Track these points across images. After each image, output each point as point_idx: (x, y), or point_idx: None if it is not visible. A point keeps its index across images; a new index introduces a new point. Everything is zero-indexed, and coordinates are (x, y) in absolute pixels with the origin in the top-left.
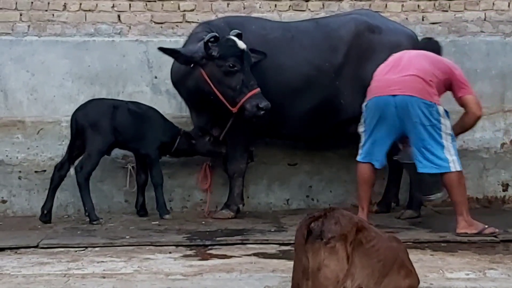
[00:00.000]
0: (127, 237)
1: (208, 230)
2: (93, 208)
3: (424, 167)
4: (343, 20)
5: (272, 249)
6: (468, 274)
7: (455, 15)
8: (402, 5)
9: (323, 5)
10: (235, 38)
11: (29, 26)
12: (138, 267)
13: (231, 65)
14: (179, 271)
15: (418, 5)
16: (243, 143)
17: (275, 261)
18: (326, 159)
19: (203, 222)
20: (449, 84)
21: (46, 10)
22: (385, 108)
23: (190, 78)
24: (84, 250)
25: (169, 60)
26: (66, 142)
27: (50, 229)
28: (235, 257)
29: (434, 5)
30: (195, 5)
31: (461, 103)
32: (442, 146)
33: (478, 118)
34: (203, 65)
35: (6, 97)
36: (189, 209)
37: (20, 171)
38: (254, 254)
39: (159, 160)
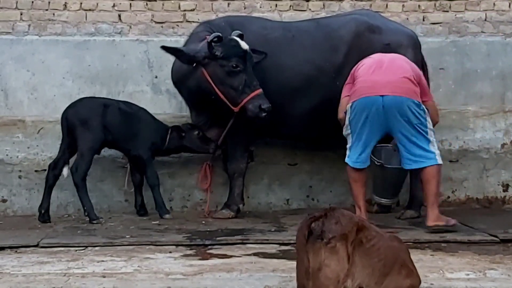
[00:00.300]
0: (127, 236)
1: (208, 229)
2: (92, 208)
3: (413, 163)
4: (343, 20)
5: (272, 249)
6: (468, 274)
7: (455, 15)
8: (403, 5)
9: (323, 5)
10: (238, 39)
11: (29, 26)
12: (138, 266)
13: (234, 65)
14: (179, 270)
15: (419, 5)
16: (243, 143)
17: (275, 260)
18: (326, 159)
19: (203, 222)
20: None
21: (47, 10)
22: (373, 108)
23: (191, 77)
24: (84, 249)
25: (169, 60)
26: None
27: (50, 228)
28: (235, 257)
29: (435, 5)
30: (196, 4)
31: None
32: (429, 141)
33: (436, 123)
34: (205, 65)
35: (7, 96)
36: (189, 209)
37: (20, 170)
38: (254, 254)
39: (152, 161)
